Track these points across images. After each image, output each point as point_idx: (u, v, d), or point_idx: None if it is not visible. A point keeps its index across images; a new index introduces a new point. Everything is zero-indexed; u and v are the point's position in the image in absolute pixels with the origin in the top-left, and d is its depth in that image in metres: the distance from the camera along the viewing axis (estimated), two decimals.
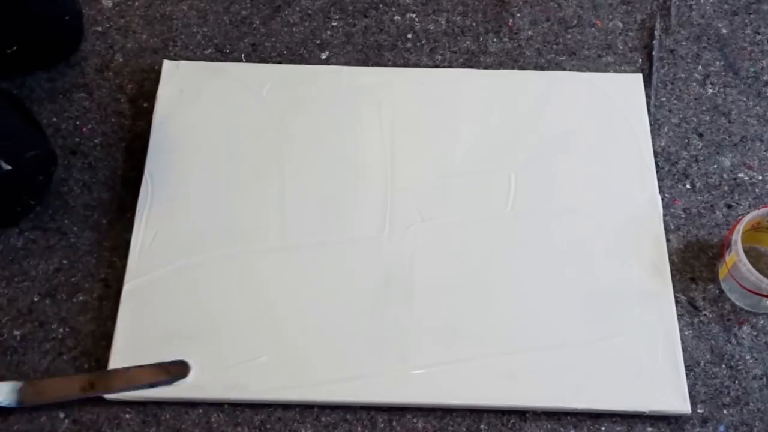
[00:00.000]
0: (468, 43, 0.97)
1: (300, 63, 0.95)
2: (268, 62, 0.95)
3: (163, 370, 0.74)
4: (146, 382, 0.74)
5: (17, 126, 0.81)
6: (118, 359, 0.75)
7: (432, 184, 0.85)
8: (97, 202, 0.85)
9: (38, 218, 0.84)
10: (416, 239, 0.82)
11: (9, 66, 0.90)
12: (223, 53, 0.96)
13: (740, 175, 0.89)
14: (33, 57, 0.90)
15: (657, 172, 0.87)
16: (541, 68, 0.95)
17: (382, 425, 0.75)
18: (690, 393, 0.75)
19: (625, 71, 0.95)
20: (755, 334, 0.80)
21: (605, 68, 0.96)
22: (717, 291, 0.82)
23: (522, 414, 0.75)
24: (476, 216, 0.83)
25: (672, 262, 0.82)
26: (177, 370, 0.74)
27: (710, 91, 0.95)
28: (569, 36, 0.98)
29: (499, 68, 0.95)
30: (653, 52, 0.97)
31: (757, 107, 0.94)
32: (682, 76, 0.96)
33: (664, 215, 0.85)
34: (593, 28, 0.99)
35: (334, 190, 0.85)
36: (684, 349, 0.78)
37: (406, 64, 0.95)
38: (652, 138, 0.90)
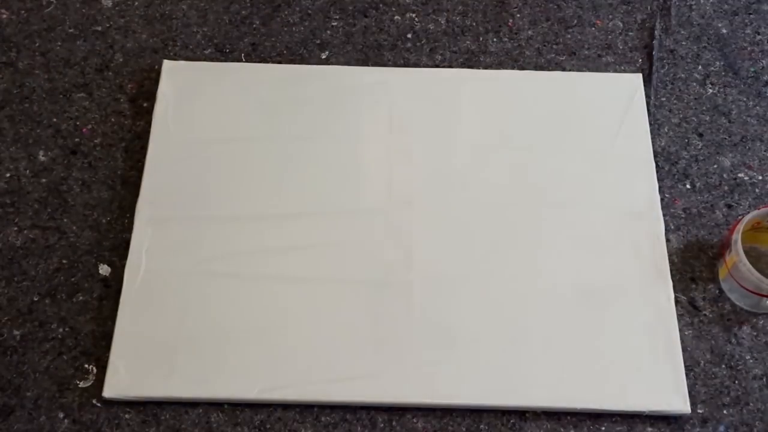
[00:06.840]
0: (468, 43, 0.97)
1: (300, 63, 0.95)
2: (268, 62, 0.95)
3: None
4: None
5: None
6: (118, 359, 0.75)
7: (431, 184, 0.85)
8: (97, 201, 0.85)
9: (38, 217, 0.84)
10: (415, 239, 0.82)
11: None
12: (223, 53, 0.96)
13: (740, 175, 0.89)
14: None
15: (657, 172, 0.87)
16: (541, 68, 0.95)
17: (382, 425, 0.75)
18: (690, 393, 0.75)
19: (625, 71, 0.95)
20: (755, 334, 0.80)
21: (605, 68, 0.96)
22: (717, 291, 0.82)
23: (522, 414, 0.75)
24: (475, 217, 0.83)
25: (672, 262, 0.82)
26: None
27: (710, 91, 0.95)
28: (569, 36, 0.98)
29: (499, 68, 0.95)
30: (653, 52, 0.97)
31: (757, 107, 0.94)
32: (682, 76, 0.95)
33: (664, 215, 0.85)
34: (593, 28, 0.99)
35: (333, 190, 0.85)
36: (684, 349, 0.78)
37: (406, 64, 0.95)
38: (652, 138, 0.89)
